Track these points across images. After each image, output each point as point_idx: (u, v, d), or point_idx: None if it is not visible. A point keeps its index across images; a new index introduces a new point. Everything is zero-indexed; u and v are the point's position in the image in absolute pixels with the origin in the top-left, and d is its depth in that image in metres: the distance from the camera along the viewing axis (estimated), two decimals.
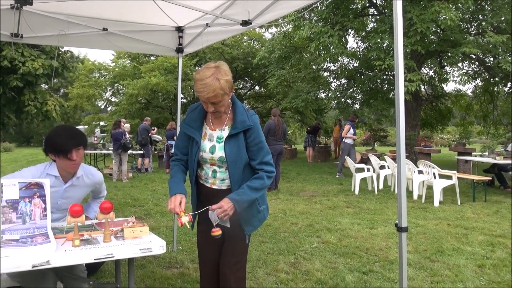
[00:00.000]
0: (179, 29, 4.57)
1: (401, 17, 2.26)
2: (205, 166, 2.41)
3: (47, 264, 1.86)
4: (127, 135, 11.15)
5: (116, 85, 20.00)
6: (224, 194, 2.32)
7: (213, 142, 2.36)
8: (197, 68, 19.57)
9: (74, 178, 2.70)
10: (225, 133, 2.34)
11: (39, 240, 1.96)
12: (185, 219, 2.17)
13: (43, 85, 14.20)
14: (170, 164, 2.53)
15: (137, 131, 13.48)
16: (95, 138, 19.11)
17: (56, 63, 12.71)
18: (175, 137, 11.34)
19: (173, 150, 9.63)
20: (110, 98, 21.37)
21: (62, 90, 34.69)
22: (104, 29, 4.25)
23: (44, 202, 2.07)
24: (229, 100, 2.35)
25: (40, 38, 4.20)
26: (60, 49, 13.43)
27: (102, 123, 19.60)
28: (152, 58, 19.16)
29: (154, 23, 4.42)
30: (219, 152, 2.32)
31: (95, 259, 1.97)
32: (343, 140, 11.63)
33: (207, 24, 4.17)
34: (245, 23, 3.77)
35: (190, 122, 2.41)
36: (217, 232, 2.22)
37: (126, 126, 12.78)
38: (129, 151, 11.29)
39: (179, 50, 4.70)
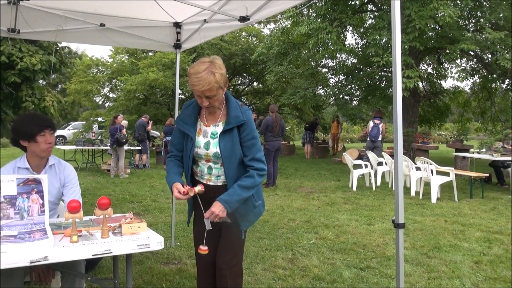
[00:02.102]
0: (177, 24, 4.56)
1: (399, 18, 2.26)
2: (200, 162, 2.41)
3: (45, 260, 1.86)
4: (124, 130, 11.14)
5: (114, 80, 19.91)
6: (220, 190, 2.34)
7: (208, 138, 2.36)
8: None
9: (47, 167, 2.71)
10: (219, 128, 2.34)
11: (37, 236, 1.97)
12: (198, 188, 2.27)
13: (40, 81, 14.14)
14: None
15: (134, 127, 13.46)
16: (93, 134, 19.07)
17: (54, 59, 12.67)
18: None
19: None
20: (108, 94, 21.29)
21: (60, 86, 34.56)
22: (102, 25, 4.23)
23: (42, 198, 2.07)
24: (223, 96, 2.35)
25: (38, 33, 4.18)
26: (58, 44, 13.38)
27: (100, 119, 19.53)
28: (150, 53, 19.08)
29: (152, 19, 4.41)
30: (214, 148, 2.33)
31: (93, 255, 1.97)
32: (381, 139, 10.73)
33: (205, 20, 4.15)
34: (243, 19, 3.75)
35: (185, 118, 2.41)
36: (204, 251, 2.30)
37: (124, 122, 12.74)
38: (126, 147, 11.29)
39: (177, 46, 4.69)
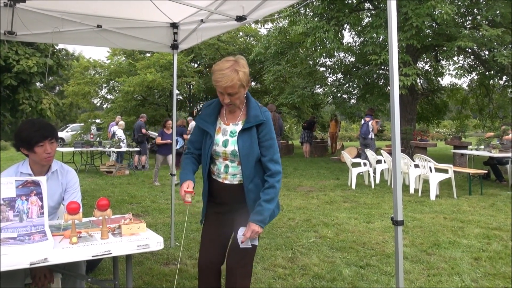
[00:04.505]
0: (174, 25, 4.55)
1: (395, 17, 2.26)
2: (218, 161, 2.45)
3: (45, 262, 1.86)
4: (119, 135, 11.12)
5: (111, 82, 19.91)
6: (235, 189, 2.38)
7: (227, 136, 2.40)
8: (192, 64, 19.53)
9: (49, 173, 2.68)
10: (238, 127, 2.39)
11: (37, 237, 1.97)
12: (188, 198, 2.27)
13: (37, 84, 14.11)
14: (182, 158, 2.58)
15: (133, 128, 13.45)
16: (91, 136, 19.06)
17: (50, 61, 12.62)
18: (184, 135, 11.32)
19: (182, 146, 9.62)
20: (105, 96, 21.29)
21: (57, 88, 34.52)
22: (99, 26, 4.22)
23: (41, 200, 2.08)
24: (244, 96, 2.39)
25: (34, 35, 4.18)
26: (55, 46, 13.34)
27: (98, 121, 19.50)
28: (148, 54, 19.08)
29: (149, 20, 4.41)
30: (232, 146, 2.37)
31: (92, 256, 1.97)
32: (371, 136, 10.92)
33: (201, 20, 4.15)
34: (239, 18, 3.76)
35: (205, 117, 2.46)
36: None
37: (121, 123, 12.73)
38: (122, 149, 11.42)
39: (174, 46, 4.69)
